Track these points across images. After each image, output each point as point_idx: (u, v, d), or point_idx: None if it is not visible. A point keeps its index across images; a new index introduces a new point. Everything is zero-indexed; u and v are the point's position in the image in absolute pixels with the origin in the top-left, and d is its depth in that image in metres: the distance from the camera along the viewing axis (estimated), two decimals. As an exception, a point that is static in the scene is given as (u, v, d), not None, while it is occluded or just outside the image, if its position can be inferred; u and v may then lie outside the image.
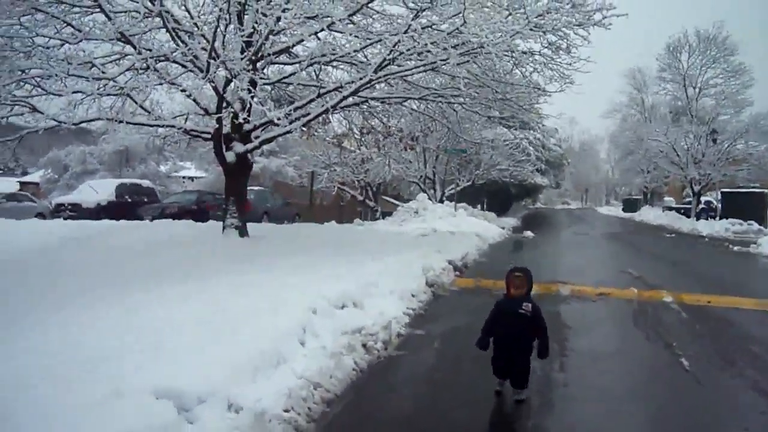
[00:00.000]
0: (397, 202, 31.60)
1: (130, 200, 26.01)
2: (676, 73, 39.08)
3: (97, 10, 11.26)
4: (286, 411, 4.06)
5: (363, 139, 24.47)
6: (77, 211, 23.86)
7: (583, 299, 9.52)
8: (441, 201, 29.21)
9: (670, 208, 43.39)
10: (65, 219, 21.90)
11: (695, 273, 13.84)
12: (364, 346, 5.85)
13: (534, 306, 4.86)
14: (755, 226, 28.58)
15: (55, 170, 38.94)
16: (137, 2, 10.72)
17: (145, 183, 29.52)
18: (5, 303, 6.00)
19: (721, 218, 31.55)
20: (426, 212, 23.56)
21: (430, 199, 27.22)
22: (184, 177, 45.68)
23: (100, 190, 25.72)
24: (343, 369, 5.13)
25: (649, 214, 43.62)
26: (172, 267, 8.87)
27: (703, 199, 39.46)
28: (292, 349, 5.04)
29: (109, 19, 10.75)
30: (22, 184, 46.00)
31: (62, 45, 11.99)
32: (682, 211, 39.02)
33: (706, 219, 33.60)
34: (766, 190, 33.11)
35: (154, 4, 10.47)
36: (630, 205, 59.60)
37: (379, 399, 4.99)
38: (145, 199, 26.81)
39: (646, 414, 4.80)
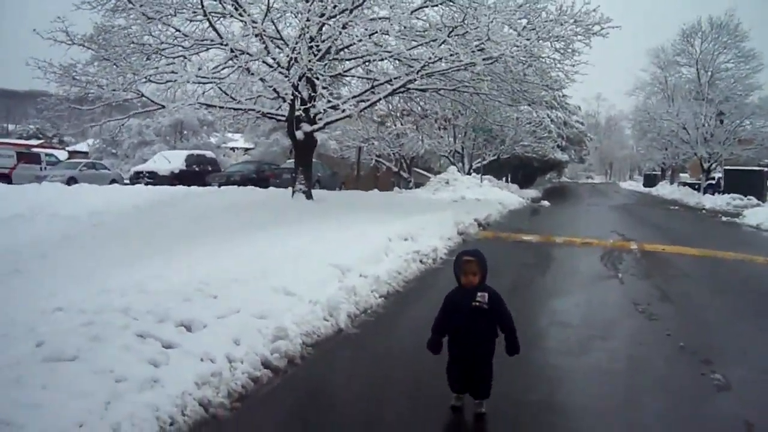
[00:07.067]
0: (428, 174, 35.00)
1: (197, 169, 29.42)
2: (690, 57, 41.61)
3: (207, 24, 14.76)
4: (388, 281, 7.71)
5: (403, 119, 27.84)
6: (154, 178, 27.23)
7: (571, 245, 13.11)
8: (468, 173, 32.47)
9: (685, 184, 46.04)
10: (145, 185, 25.40)
11: (671, 233, 17.12)
12: (420, 261, 9.51)
13: (492, 295, 4.17)
14: (754, 200, 31.46)
15: (105, 140, 42.19)
16: (244, 22, 14.19)
17: (209, 153, 32.96)
18: (184, 236, 9.61)
19: (723, 193, 34.42)
20: (456, 183, 26.96)
21: (459, 171, 30.53)
22: (230, 148, 49.36)
23: (172, 159, 29.27)
24: (411, 269, 8.85)
25: (664, 189, 46.58)
26: (268, 219, 12.00)
27: (715, 175, 42.14)
28: (382, 257, 8.77)
29: (221, 37, 14.36)
30: (70, 152, 49.09)
31: (173, 46, 15.48)
32: (696, 186, 41.72)
33: (713, 194, 36.30)
34: (765, 169, 35.84)
35: (255, 25, 13.96)
36: (650, 180, 62.31)
37: (433, 281, 8.62)
38: (209, 168, 30.24)
39: (582, 296, 8.48)
